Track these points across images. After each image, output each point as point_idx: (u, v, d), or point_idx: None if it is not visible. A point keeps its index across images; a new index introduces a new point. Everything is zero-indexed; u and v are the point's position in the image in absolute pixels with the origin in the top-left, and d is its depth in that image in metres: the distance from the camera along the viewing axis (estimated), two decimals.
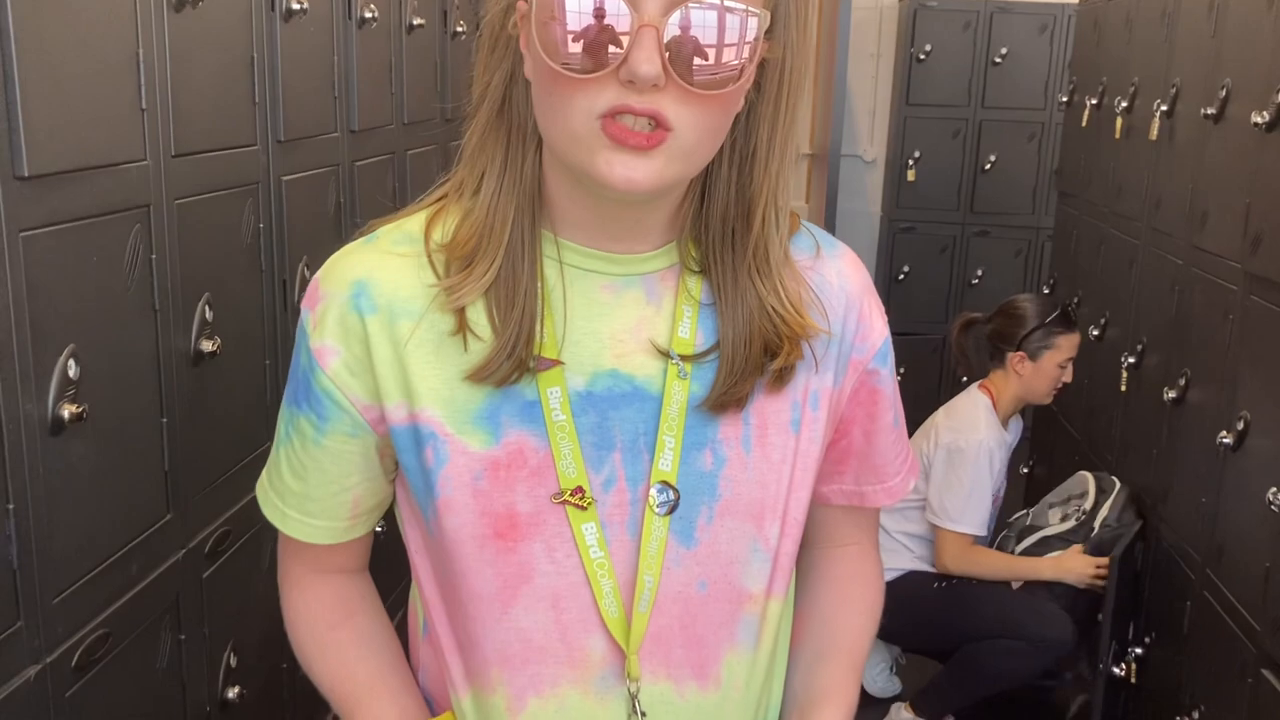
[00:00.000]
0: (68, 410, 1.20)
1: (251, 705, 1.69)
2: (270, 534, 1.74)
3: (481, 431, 0.86)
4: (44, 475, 1.18)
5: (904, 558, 2.86)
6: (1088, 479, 2.86)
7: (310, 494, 0.93)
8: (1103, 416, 3.12)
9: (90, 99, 1.24)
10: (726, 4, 0.78)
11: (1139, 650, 2.57)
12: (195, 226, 1.48)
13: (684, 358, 0.88)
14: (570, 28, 0.77)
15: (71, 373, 1.21)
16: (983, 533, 2.80)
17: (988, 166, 4.74)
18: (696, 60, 0.77)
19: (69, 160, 1.21)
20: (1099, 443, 3.17)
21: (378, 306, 0.87)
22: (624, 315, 0.89)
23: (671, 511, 0.88)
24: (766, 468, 0.90)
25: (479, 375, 0.85)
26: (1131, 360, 2.82)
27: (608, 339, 0.89)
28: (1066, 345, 2.84)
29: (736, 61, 0.79)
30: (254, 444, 1.70)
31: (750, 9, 0.79)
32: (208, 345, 1.51)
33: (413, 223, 0.92)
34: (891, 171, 4.96)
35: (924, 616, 2.80)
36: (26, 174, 1.12)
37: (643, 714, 0.88)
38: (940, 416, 2.86)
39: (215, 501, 1.58)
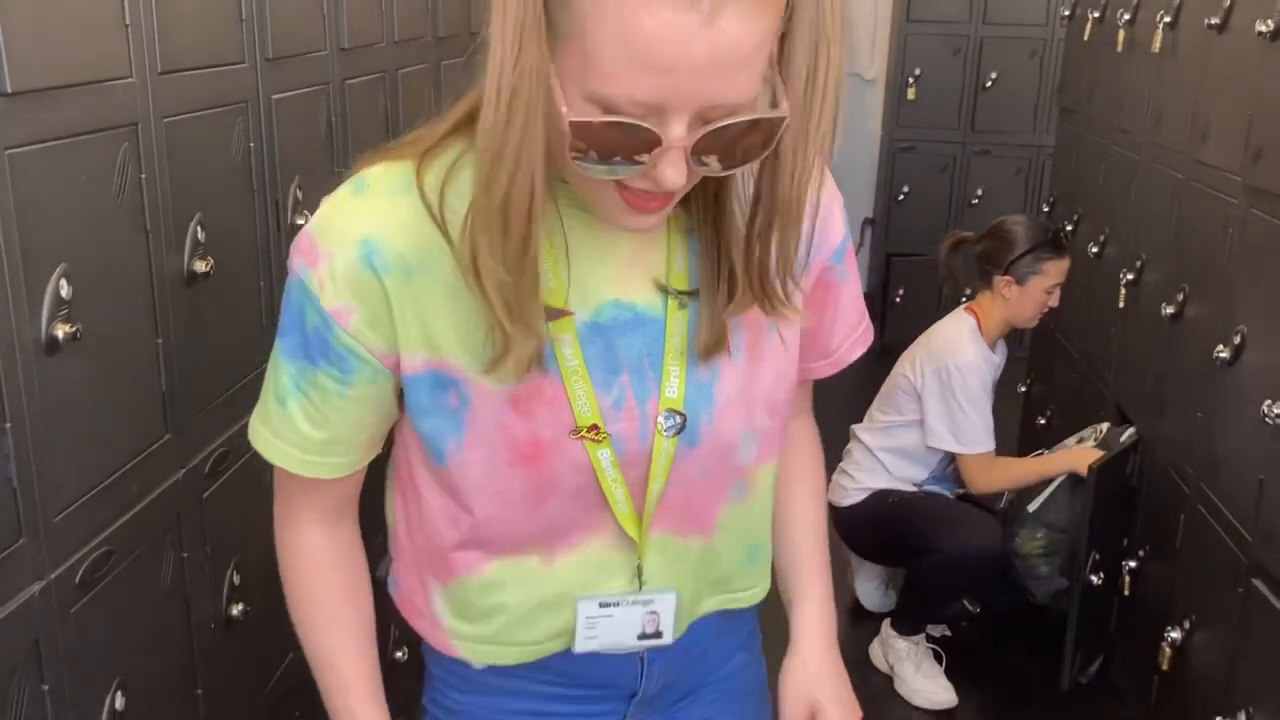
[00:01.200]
0: (61, 330, 1.20)
1: (255, 622, 1.72)
2: None
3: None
4: (40, 394, 1.18)
5: (879, 477, 2.88)
6: (1103, 426, 2.87)
7: (332, 439, 0.98)
8: (1100, 334, 3.12)
9: (72, 13, 1.22)
10: (747, 118, 0.81)
11: (1132, 564, 2.61)
12: (184, 146, 1.47)
13: (680, 292, 0.96)
14: (602, 132, 0.79)
15: (64, 292, 1.21)
16: (994, 444, 2.81)
17: (989, 84, 4.69)
18: (717, 157, 0.83)
19: (53, 77, 1.19)
20: (1096, 360, 3.17)
21: (390, 265, 0.91)
22: (621, 249, 0.95)
23: (678, 433, 0.98)
24: (754, 369, 1.01)
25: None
26: (1130, 277, 2.81)
27: (608, 273, 0.95)
28: (1055, 271, 2.83)
29: (756, 145, 0.84)
30: (250, 365, 1.70)
31: (770, 113, 0.83)
32: (201, 266, 1.50)
33: (402, 167, 0.92)
34: (892, 90, 4.90)
35: (883, 533, 2.85)
36: (10, 90, 1.11)
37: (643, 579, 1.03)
38: (925, 340, 2.86)
39: (213, 422, 1.59)
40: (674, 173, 0.82)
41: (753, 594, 1.14)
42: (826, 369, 1.13)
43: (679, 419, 0.97)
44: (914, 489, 2.84)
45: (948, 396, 2.74)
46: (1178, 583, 2.38)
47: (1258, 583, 1.98)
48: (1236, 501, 2.10)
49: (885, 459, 2.87)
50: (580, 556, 1.02)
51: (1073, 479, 2.68)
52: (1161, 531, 2.49)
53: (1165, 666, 2.36)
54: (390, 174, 0.92)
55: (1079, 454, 2.71)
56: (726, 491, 1.05)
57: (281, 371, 0.97)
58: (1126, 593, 2.61)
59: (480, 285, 0.87)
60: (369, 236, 0.90)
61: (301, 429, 0.97)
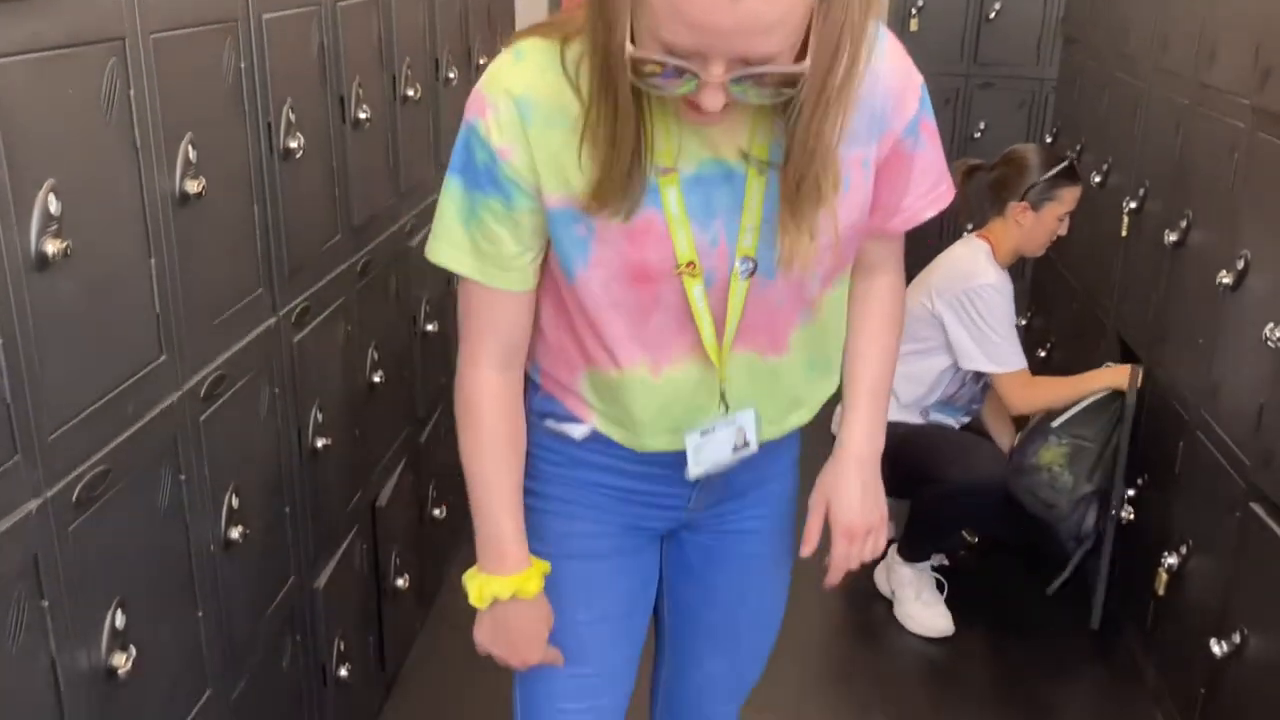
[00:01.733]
0: (51, 245, 1.18)
1: (255, 545, 1.72)
2: (266, 382, 1.75)
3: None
4: (31, 311, 1.17)
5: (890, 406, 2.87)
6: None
7: (502, 254, 1.22)
8: (1102, 264, 3.11)
9: None
10: (774, 69, 1.02)
11: (1130, 492, 2.61)
12: (173, 64, 1.44)
13: (760, 162, 1.17)
14: (656, 67, 1.03)
15: (53, 208, 1.19)
16: (1025, 362, 2.79)
17: (992, 16, 4.61)
18: (753, 91, 1.05)
19: None
20: (1098, 290, 3.16)
21: (536, 119, 1.16)
22: (714, 123, 1.13)
23: (751, 275, 1.21)
24: (826, 222, 1.18)
25: None
26: (1133, 205, 2.79)
27: (705, 140, 1.17)
28: (1069, 198, 2.80)
29: (784, 85, 1.05)
30: (245, 290, 1.69)
31: (793, 67, 1.03)
32: (193, 186, 1.48)
33: (550, 44, 1.16)
34: (894, 22, 4.82)
35: (888, 465, 2.83)
36: None
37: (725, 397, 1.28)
38: (939, 269, 2.83)
39: (208, 345, 1.58)
40: (712, 102, 1.04)
41: (814, 405, 1.38)
42: (900, 225, 1.32)
43: (752, 263, 1.20)
44: (920, 420, 2.84)
45: (975, 320, 2.72)
46: (1175, 509, 2.39)
47: (1255, 507, 1.98)
48: (1236, 427, 2.10)
49: (897, 386, 2.85)
50: (679, 373, 1.26)
51: (1100, 399, 2.67)
52: (1160, 459, 2.49)
53: (1161, 592, 2.38)
54: (540, 48, 1.17)
55: (1117, 371, 2.71)
56: (796, 317, 1.28)
57: (458, 201, 1.21)
58: (1124, 522, 2.62)
59: (601, 144, 1.11)
60: (523, 95, 1.16)
61: (479, 245, 1.22)
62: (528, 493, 1.37)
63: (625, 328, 1.23)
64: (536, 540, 1.36)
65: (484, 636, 1.36)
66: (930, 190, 1.31)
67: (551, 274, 1.27)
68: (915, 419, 2.84)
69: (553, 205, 1.19)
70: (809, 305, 1.28)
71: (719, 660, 1.52)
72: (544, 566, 1.33)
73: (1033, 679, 2.60)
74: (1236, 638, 2.01)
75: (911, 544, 2.83)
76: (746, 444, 1.31)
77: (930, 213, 1.32)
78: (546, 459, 1.39)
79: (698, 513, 1.41)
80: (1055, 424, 2.70)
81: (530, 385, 1.38)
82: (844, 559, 1.40)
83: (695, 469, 1.30)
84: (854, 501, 1.38)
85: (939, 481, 2.68)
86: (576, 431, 1.35)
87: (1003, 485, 2.70)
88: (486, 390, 1.30)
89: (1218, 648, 2.04)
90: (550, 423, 1.37)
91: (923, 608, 2.78)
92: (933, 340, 2.80)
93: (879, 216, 1.28)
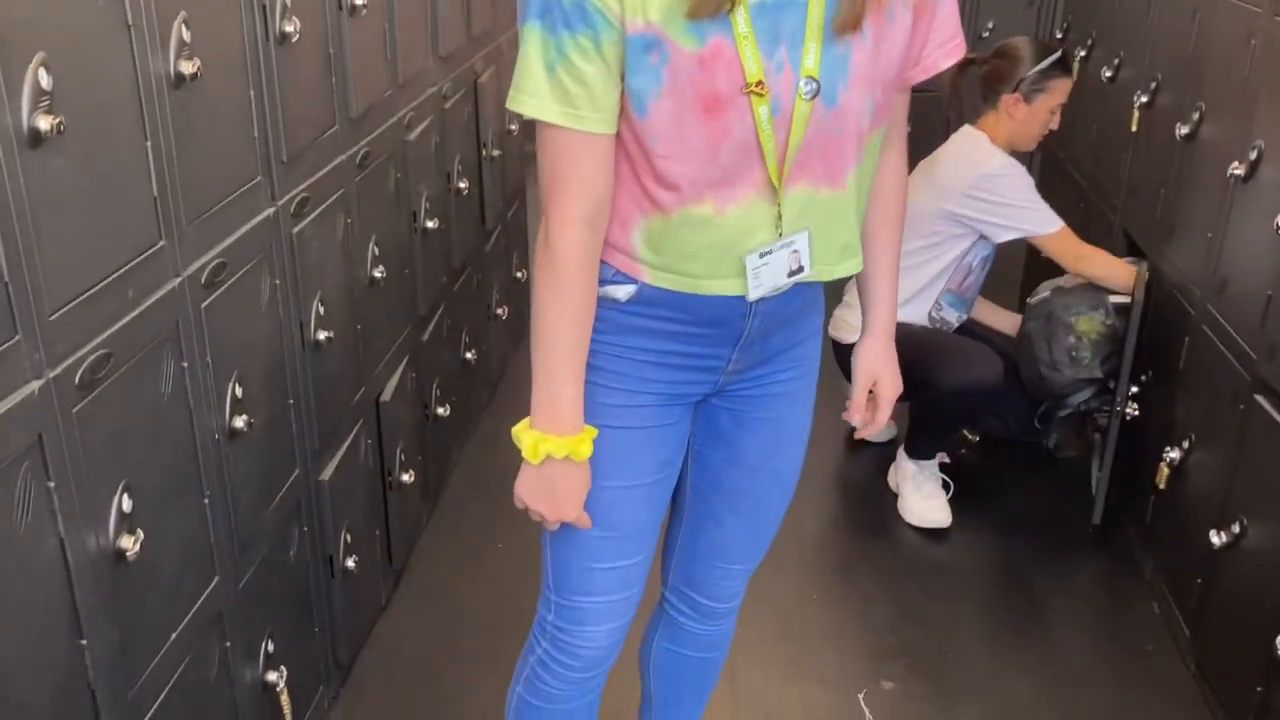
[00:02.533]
0: (44, 121, 1.15)
1: (260, 435, 1.72)
2: (267, 273, 1.73)
3: (692, 37, 1.20)
4: (26, 189, 1.15)
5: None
6: None
7: (590, 95, 1.23)
8: (1111, 161, 3.07)
9: None
10: None
11: (1134, 389, 2.61)
12: None
13: None
14: None
15: (44, 82, 1.16)
16: (1061, 223, 2.76)
17: None
18: None
19: None
20: (1105, 187, 3.12)
21: None
22: None
23: (814, 97, 1.25)
24: (877, 51, 1.26)
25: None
26: (1144, 99, 2.74)
27: None
28: (1060, 90, 2.77)
29: None
30: (243, 178, 1.67)
31: None
32: (187, 67, 1.45)
33: None
34: None
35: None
36: None
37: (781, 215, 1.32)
38: (940, 166, 2.79)
39: (208, 232, 1.56)
40: None
41: (851, 265, 1.42)
42: (919, 74, 1.37)
43: (815, 84, 1.24)
44: (923, 320, 2.83)
45: (998, 204, 2.71)
46: (1179, 405, 2.39)
47: (1260, 398, 1.98)
48: (1243, 320, 2.09)
49: (901, 283, 2.83)
50: (741, 209, 1.30)
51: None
52: (1164, 356, 2.49)
53: (1162, 486, 2.39)
54: None
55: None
56: (853, 151, 1.31)
57: (539, 47, 1.22)
58: (1127, 418, 2.62)
59: None
60: None
61: (567, 88, 1.23)
62: (610, 456, 1.41)
63: (693, 165, 1.26)
64: None
65: (526, 491, 1.38)
66: (949, 40, 1.37)
67: (621, 123, 1.29)
68: (919, 319, 2.83)
69: (632, 31, 1.21)
70: (861, 139, 1.32)
71: (738, 521, 1.57)
72: (593, 432, 1.36)
73: (1031, 573, 2.63)
74: (1236, 528, 2.02)
75: (915, 443, 2.85)
76: (801, 268, 1.36)
77: (946, 63, 1.38)
78: (610, 352, 1.41)
79: (734, 375, 1.45)
80: (1112, 299, 2.69)
81: None
82: (883, 423, 1.59)
83: (755, 291, 1.34)
84: (895, 373, 1.57)
85: (937, 384, 2.69)
86: (621, 292, 1.36)
87: (998, 386, 2.71)
88: (577, 249, 1.30)
89: (1217, 538, 2.05)
90: (607, 288, 1.39)
91: (922, 500, 2.81)
92: (941, 234, 2.78)
93: (904, 64, 1.33)
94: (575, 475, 1.36)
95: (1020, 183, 2.72)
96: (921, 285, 2.81)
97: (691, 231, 1.31)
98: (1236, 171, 2.09)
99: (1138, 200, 2.82)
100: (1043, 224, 2.74)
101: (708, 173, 1.27)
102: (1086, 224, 3.28)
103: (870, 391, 1.57)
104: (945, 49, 1.37)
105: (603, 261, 1.35)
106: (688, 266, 1.33)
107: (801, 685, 2.21)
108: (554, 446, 1.33)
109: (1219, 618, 2.15)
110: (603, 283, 1.36)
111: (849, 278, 1.46)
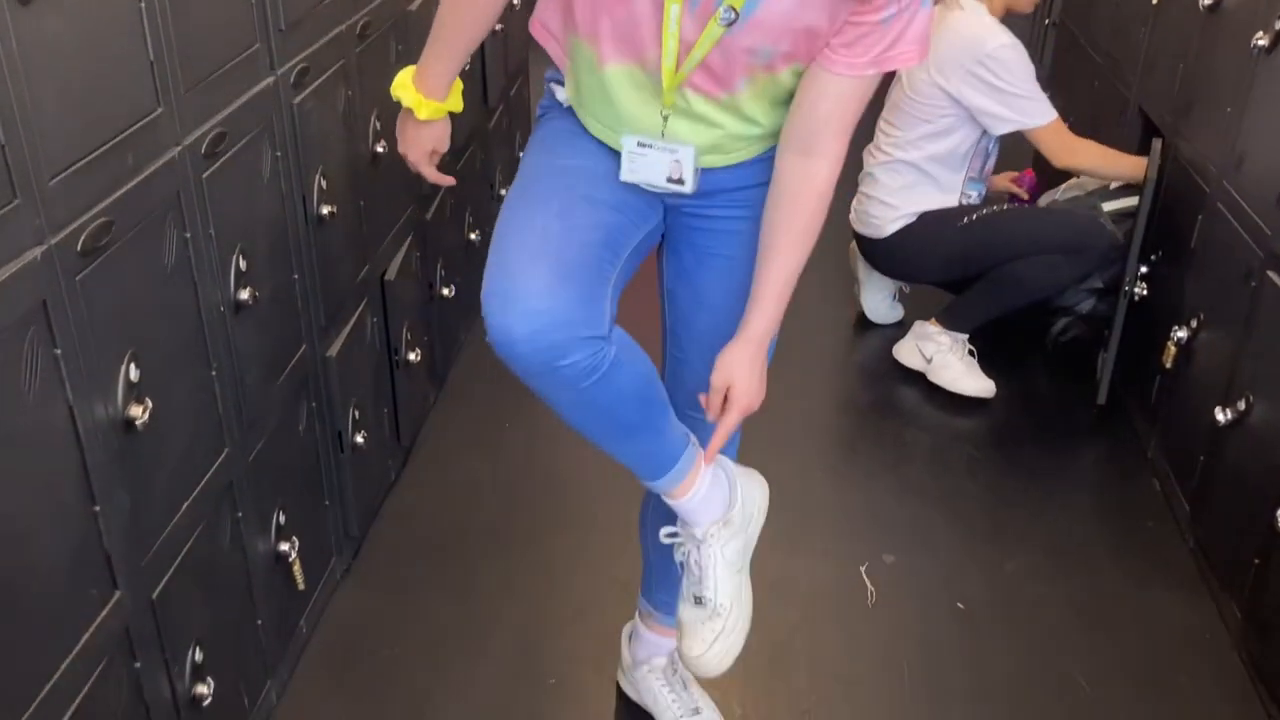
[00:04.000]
0: None
1: (265, 309, 1.72)
2: (268, 144, 1.71)
3: None
4: (19, 49, 1.12)
5: (923, 197, 2.83)
6: None
7: None
8: (1129, 36, 2.99)
9: None
10: None
11: (1144, 268, 2.60)
12: None
13: None
14: None
15: None
16: (1055, 113, 2.74)
17: None
18: None
19: None
20: (1122, 64, 3.05)
21: None
22: None
23: (729, 26, 1.27)
24: (800, 8, 1.26)
25: None
26: None
27: None
28: None
29: None
30: (242, 45, 1.63)
31: None
32: None
33: None
34: None
35: (957, 254, 2.82)
36: None
37: (667, 117, 1.38)
38: (942, 40, 2.71)
39: (207, 100, 1.53)
40: None
41: (715, 160, 1.43)
42: (832, 60, 1.31)
43: (734, 14, 1.25)
44: (958, 201, 2.82)
45: (997, 85, 2.66)
46: (1188, 284, 2.37)
47: (1272, 274, 1.97)
48: (1259, 195, 2.06)
49: (931, 170, 2.81)
50: (621, 73, 1.35)
51: None
52: (1175, 236, 2.46)
53: (1168, 365, 2.39)
54: None
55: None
56: (752, 70, 1.33)
57: None
58: (1135, 298, 2.61)
59: None
60: None
61: None
62: (544, 149, 1.49)
63: (587, 5, 1.32)
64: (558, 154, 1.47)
65: (398, 123, 1.60)
66: (861, 53, 1.29)
67: None
68: (952, 199, 2.81)
69: None
70: (767, 70, 1.32)
71: (708, 366, 1.49)
72: (448, 106, 1.55)
73: (1034, 452, 2.65)
74: (1241, 404, 2.02)
75: (965, 314, 2.86)
76: (681, 181, 1.38)
77: (841, 69, 1.31)
78: (558, 113, 1.51)
79: (686, 200, 1.47)
80: (1105, 207, 2.73)
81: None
82: (728, 430, 1.47)
83: (627, 174, 1.40)
84: (754, 383, 1.45)
85: (1039, 254, 2.69)
86: (560, 94, 1.47)
87: (1112, 254, 2.71)
88: None
89: (1222, 415, 2.06)
90: (554, 85, 1.50)
91: (966, 369, 2.83)
92: (947, 118, 2.73)
93: (818, 34, 1.29)
94: (419, 126, 1.56)
95: (1020, 68, 2.66)
96: (948, 175, 2.79)
97: (584, 66, 1.38)
98: (1260, 42, 2.04)
99: (1156, 76, 2.76)
100: (1039, 115, 2.70)
101: (608, 28, 1.32)
102: (1101, 103, 3.22)
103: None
104: (853, 52, 1.28)
105: (557, 67, 1.48)
106: (582, 98, 1.42)
107: (804, 558, 2.25)
108: (405, 96, 1.53)
109: (1219, 494, 2.17)
110: (555, 81, 1.49)
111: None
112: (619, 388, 1.34)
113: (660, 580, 1.79)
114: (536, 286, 1.27)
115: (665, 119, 1.36)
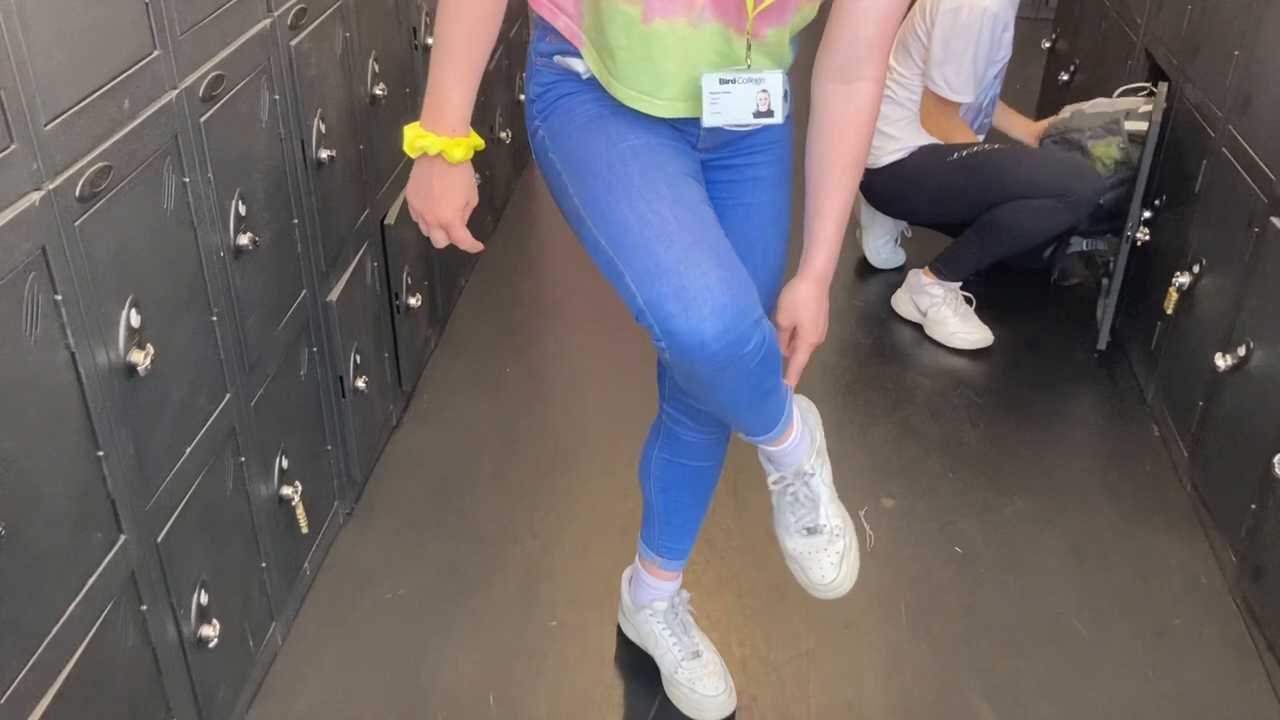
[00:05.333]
0: None
1: (265, 253, 1.71)
2: (265, 87, 1.69)
3: None
4: None
5: (922, 134, 2.82)
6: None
7: None
8: None
9: None
10: None
11: (1147, 214, 2.58)
12: None
13: None
14: None
15: None
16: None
17: None
18: None
19: None
20: (1130, 6, 3.01)
21: None
22: None
23: None
24: None
25: None
26: None
27: None
28: None
29: None
30: None
31: None
32: None
33: None
34: None
35: (944, 191, 2.80)
36: None
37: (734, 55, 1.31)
38: None
39: (204, 43, 1.51)
40: None
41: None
42: None
43: None
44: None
45: (955, 39, 2.65)
46: (1192, 229, 2.36)
47: (1275, 220, 1.96)
48: (1266, 140, 2.04)
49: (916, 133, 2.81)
50: (671, 29, 1.26)
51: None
52: (1179, 180, 2.45)
53: (1169, 310, 2.39)
54: None
55: (1033, 127, 2.83)
56: (783, 18, 1.32)
57: None
58: (1138, 244, 2.60)
59: None
60: None
61: None
62: (595, 133, 1.35)
63: None
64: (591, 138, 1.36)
65: (410, 189, 1.38)
66: None
67: None
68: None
69: None
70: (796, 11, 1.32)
71: None
72: (477, 142, 1.34)
73: (1034, 396, 2.66)
74: (1241, 350, 2.02)
75: (955, 263, 2.84)
76: (770, 113, 1.30)
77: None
78: (572, 87, 1.39)
79: (708, 152, 1.43)
80: (1128, 126, 2.68)
81: (538, 29, 1.41)
82: (800, 367, 1.51)
83: (710, 119, 1.30)
84: (821, 319, 1.49)
85: (1029, 197, 2.67)
86: (579, 65, 1.36)
87: (1098, 200, 2.70)
88: None
89: (1222, 361, 2.06)
90: (567, 58, 1.38)
91: (961, 321, 2.82)
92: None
93: None
94: (450, 175, 1.33)
95: (971, 36, 2.65)
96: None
97: (618, 29, 1.27)
98: None
99: (1164, 18, 2.72)
100: (949, 89, 2.73)
101: None
102: (1107, 45, 3.18)
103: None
104: None
105: (566, 40, 1.35)
106: (615, 66, 1.30)
107: None
108: (428, 143, 1.31)
109: (1218, 439, 2.18)
110: (565, 54, 1.36)
111: None
112: (769, 355, 1.31)
113: (663, 527, 1.80)
114: (710, 280, 1.21)
115: (749, 48, 1.29)
